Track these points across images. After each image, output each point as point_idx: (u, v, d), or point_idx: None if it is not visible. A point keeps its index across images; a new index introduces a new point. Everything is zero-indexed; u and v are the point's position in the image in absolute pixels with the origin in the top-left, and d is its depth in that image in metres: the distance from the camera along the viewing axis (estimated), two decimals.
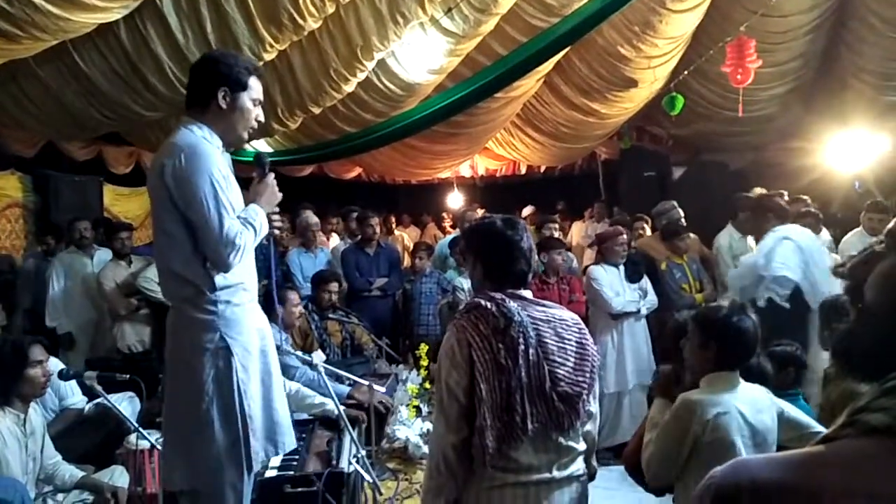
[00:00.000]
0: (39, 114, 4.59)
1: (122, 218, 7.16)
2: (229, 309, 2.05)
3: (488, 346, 1.73)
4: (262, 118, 2.18)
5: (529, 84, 6.47)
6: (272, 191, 2.19)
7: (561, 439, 1.79)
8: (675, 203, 5.52)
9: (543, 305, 1.87)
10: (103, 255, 5.26)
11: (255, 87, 2.11)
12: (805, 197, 5.73)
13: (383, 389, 3.36)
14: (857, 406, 0.82)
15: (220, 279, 2.03)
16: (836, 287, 3.63)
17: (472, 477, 1.75)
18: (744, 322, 1.95)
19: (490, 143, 8.49)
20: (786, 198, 6.20)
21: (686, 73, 6.51)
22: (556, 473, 1.78)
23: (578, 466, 1.83)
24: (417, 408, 3.67)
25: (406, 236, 9.12)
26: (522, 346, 1.74)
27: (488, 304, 1.78)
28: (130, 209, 7.41)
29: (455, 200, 10.08)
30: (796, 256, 4.09)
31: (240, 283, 2.11)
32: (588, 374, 1.83)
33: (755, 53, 5.26)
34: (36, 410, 2.76)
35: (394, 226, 8.71)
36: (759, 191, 6.80)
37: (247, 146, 6.49)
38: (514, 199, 10.36)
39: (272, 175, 2.23)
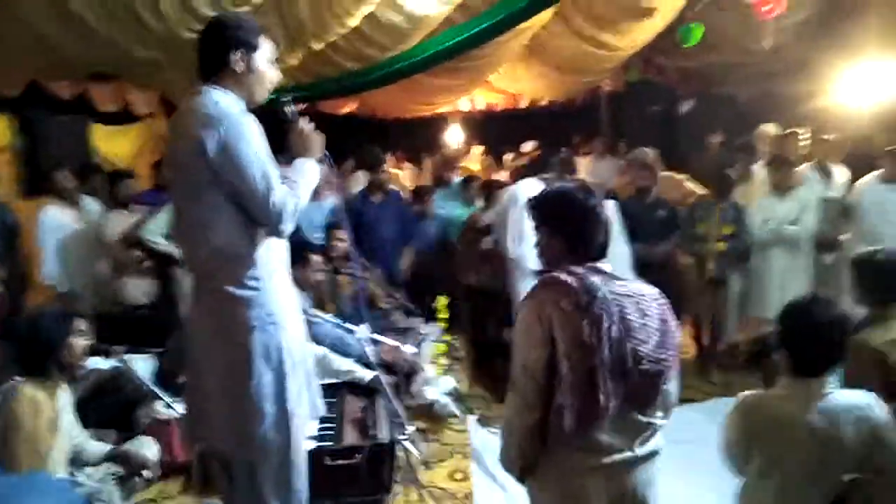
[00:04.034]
0: (22, 51, 4.25)
1: (113, 158, 6.88)
2: (270, 283, 2.06)
3: (571, 324, 1.65)
4: (277, 78, 2.14)
5: (541, 15, 6.11)
6: (309, 137, 2.16)
7: (640, 417, 1.74)
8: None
9: (623, 280, 1.78)
10: (91, 204, 4.99)
11: (266, 46, 2.08)
12: (828, 137, 5.56)
13: (414, 350, 3.27)
14: None
15: (259, 254, 2.03)
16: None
17: (554, 456, 1.72)
18: (813, 318, 1.76)
19: (491, 77, 8.13)
20: (802, 136, 6.09)
21: (705, 1, 6.18)
22: (638, 451, 1.74)
23: (659, 442, 1.79)
24: (443, 365, 3.62)
25: (405, 174, 8.89)
26: (606, 324, 1.65)
27: (570, 280, 1.69)
28: (121, 149, 7.08)
29: (453, 136, 9.79)
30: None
31: (277, 256, 2.12)
32: (671, 352, 1.75)
33: None
34: (63, 386, 2.63)
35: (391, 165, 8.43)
36: (766, 128, 6.65)
37: None
38: (513, 134, 10.09)
39: (303, 120, 2.18)
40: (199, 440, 2.34)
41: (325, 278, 4.08)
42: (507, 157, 8.81)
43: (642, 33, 6.75)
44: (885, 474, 1.74)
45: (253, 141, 1.95)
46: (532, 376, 1.67)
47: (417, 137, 10.73)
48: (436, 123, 10.53)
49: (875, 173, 4.95)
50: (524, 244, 4.07)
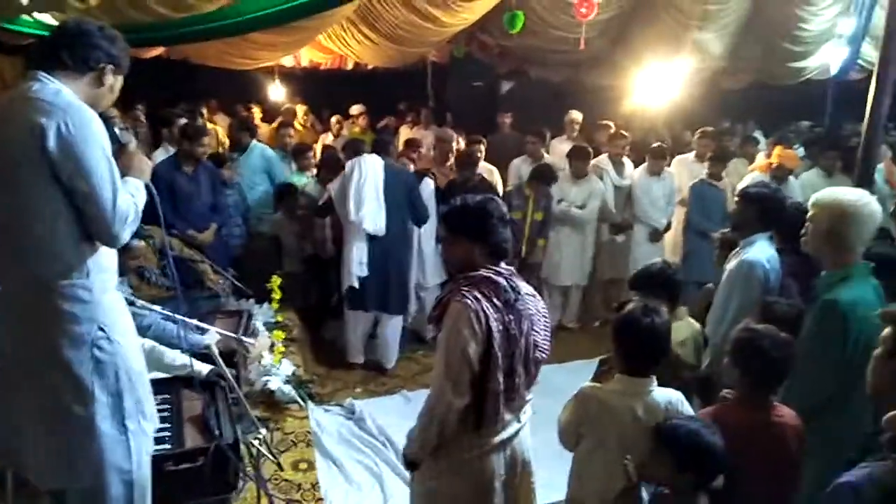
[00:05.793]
0: None
1: None
2: (105, 296, 1.91)
3: (501, 318, 1.91)
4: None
5: None
6: (139, 158, 2.09)
7: (525, 395, 2.09)
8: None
9: (521, 280, 2.07)
10: None
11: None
12: (625, 133, 6.25)
13: (253, 341, 3.16)
14: None
15: (91, 263, 1.87)
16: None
17: (463, 440, 1.97)
18: (640, 323, 2.05)
19: (320, 36, 7.84)
20: (612, 128, 6.80)
21: None
22: (522, 420, 2.10)
23: (529, 409, 2.16)
24: (281, 351, 3.55)
25: (220, 130, 8.33)
26: (524, 319, 1.96)
27: (499, 280, 1.93)
28: None
29: (276, 92, 9.32)
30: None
31: (111, 265, 1.97)
32: (549, 342, 2.10)
33: None
34: None
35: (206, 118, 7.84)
36: (574, 114, 7.30)
37: (26, 16, 5.32)
38: (336, 95, 9.86)
39: (132, 142, 2.20)
40: (15, 470, 2.09)
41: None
42: (334, 119, 8.66)
43: (471, 13, 6.95)
44: None
45: (100, 137, 1.79)
46: (469, 364, 1.87)
47: (230, 87, 10.01)
48: (252, 74, 9.90)
49: (643, 166, 5.88)
50: (363, 209, 4.43)
